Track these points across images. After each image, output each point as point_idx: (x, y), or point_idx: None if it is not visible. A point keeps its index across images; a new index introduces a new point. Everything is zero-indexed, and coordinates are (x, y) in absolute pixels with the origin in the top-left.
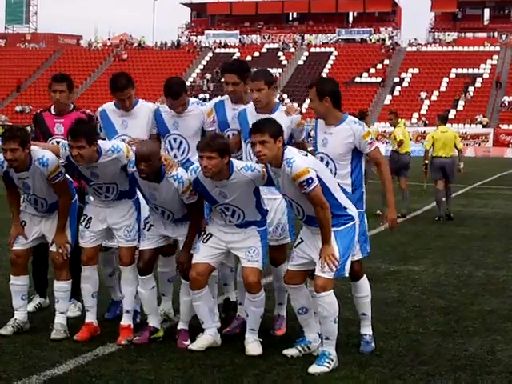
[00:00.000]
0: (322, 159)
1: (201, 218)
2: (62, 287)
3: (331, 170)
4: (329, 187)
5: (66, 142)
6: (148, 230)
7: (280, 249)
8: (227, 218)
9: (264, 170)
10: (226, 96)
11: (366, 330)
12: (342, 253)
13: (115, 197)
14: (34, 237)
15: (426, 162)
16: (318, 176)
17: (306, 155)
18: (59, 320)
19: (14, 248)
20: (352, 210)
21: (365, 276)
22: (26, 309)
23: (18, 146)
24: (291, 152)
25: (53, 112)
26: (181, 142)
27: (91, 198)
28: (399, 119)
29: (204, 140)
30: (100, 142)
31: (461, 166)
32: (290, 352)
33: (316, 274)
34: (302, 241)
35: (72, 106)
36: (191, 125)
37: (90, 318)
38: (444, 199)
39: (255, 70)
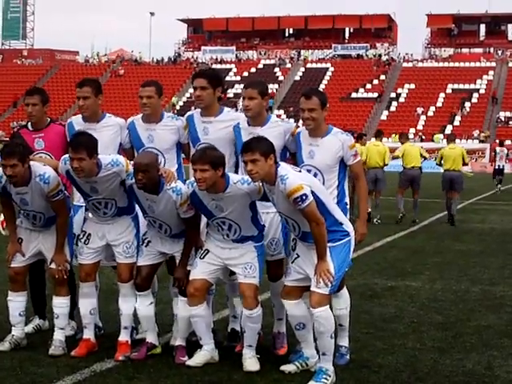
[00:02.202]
0: (309, 171)
1: (197, 234)
2: (61, 303)
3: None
4: (324, 202)
5: (66, 156)
6: (146, 246)
7: (276, 264)
8: (224, 233)
9: (260, 184)
10: (196, 110)
11: (343, 341)
12: (338, 268)
13: (114, 213)
14: (32, 253)
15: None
16: (312, 192)
17: (300, 171)
18: (58, 336)
19: (12, 265)
20: (348, 226)
21: (345, 287)
22: (23, 325)
23: (17, 162)
24: (284, 169)
25: (30, 128)
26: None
27: (90, 215)
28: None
29: (196, 153)
30: (100, 156)
31: (470, 175)
32: (288, 368)
33: (311, 289)
34: (298, 256)
35: (48, 119)
36: (167, 138)
37: (88, 334)
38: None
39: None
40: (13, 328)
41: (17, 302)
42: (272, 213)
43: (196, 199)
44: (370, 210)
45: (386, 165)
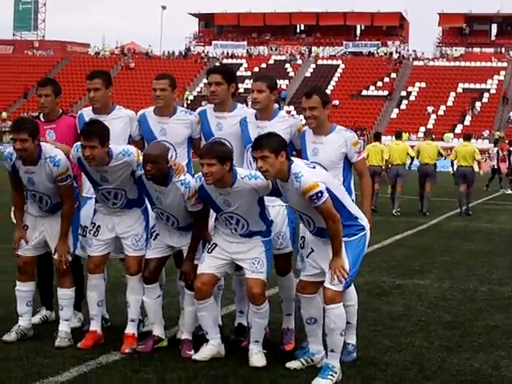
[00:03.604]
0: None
1: (205, 228)
2: (65, 294)
3: None
4: (339, 197)
5: (78, 143)
6: (154, 239)
7: (284, 258)
8: (232, 227)
9: (269, 180)
10: (209, 105)
11: (350, 339)
12: (352, 264)
13: (123, 204)
14: (36, 241)
15: (453, 171)
16: (327, 188)
17: (314, 167)
18: (63, 328)
19: (20, 254)
20: (363, 220)
21: (352, 285)
22: (30, 315)
23: (27, 137)
24: (298, 166)
25: (42, 119)
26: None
27: (99, 206)
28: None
29: (204, 147)
30: (111, 145)
31: (480, 173)
32: (293, 365)
33: (325, 285)
34: (313, 251)
35: (60, 110)
36: (180, 132)
37: (95, 326)
38: (465, 200)
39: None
40: (20, 318)
41: (24, 292)
42: (278, 206)
43: (204, 193)
44: (394, 212)
45: (413, 158)
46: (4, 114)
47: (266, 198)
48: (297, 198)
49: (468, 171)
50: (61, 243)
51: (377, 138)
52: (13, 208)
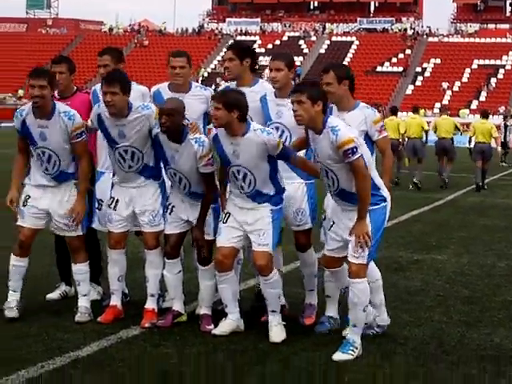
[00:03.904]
0: (277, 128)
1: (214, 192)
2: (80, 269)
3: (286, 140)
4: (366, 163)
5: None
6: (170, 214)
7: (303, 234)
8: (239, 183)
9: (281, 140)
10: (269, 89)
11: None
12: (374, 233)
13: (139, 169)
14: (40, 215)
15: (470, 147)
16: None
17: (349, 125)
18: (83, 303)
19: (21, 225)
20: (384, 191)
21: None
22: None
23: (46, 84)
24: (336, 120)
25: (57, 96)
26: None
27: (117, 180)
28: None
29: (218, 91)
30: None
31: (498, 149)
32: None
33: (349, 259)
34: (334, 223)
35: (75, 88)
36: (196, 108)
37: (115, 300)
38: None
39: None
40: (14, 293)
41: (22, 268)
42: (297, 183)
43: (217, 142)
44: (415, 180)
45: (427, 132)
46: (20, 92)
47: (284, 175)
48: (328, 153)
49: (486, 147)
50: (78, 201)
51: (393, 111)
52: (12, 170)
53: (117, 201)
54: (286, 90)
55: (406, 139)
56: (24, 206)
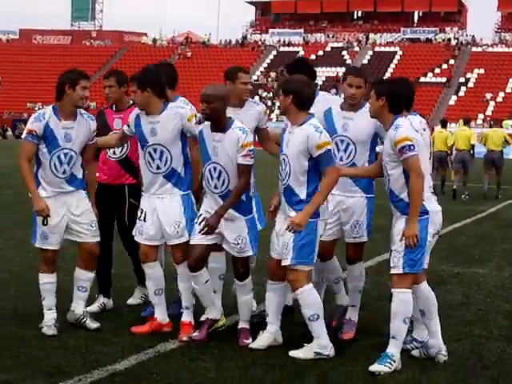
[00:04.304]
0: (342, 141)
1: (246, 188)
2: (91, 277)
3: (350, 153)
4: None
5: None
6: (199, 223)
7: (357, 246)
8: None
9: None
10: (337, 103)
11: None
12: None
13: (167, 170)
14: (60, 228)
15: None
16: None
17: (417, 131)
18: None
19: (47, 248)
20: (428, 205)
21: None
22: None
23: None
24: (403, 120)
25: (113, 109)
26: None
27: (143, 187)
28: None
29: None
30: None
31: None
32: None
33: (391, 271)
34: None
35: (130, 102)
36: (247, 122)
37: (157, 313)
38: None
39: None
40: (51, 311)
41: (52, 284)
42: (359, 197)
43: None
44: (455, 187)
45: (473, 145)
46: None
47: (347, 189)
48: (387, 148)
49: (496, 156)
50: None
51: (443, 124)
52: (27, 181)
53: (145, 213)
54: (356, 104)
55: (455, 151)
56: (44, 224)
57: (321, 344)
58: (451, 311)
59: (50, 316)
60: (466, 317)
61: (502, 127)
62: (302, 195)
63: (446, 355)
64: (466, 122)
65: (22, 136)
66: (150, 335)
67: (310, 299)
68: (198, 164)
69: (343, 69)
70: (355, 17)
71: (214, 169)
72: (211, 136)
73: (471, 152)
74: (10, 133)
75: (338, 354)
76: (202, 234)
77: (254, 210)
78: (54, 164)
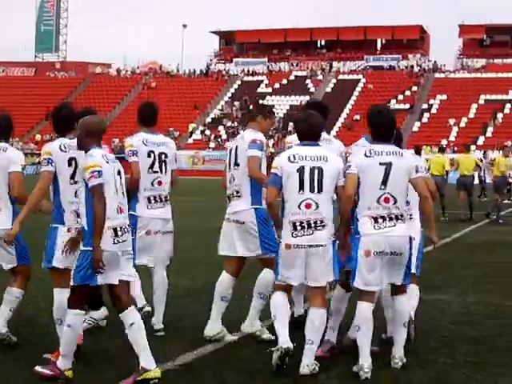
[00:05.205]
0: None
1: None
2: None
3: None
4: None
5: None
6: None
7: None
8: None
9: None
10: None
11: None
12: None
13: None
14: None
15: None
16: None
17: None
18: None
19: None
20: (360, 227)
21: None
22: None
23: None
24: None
25: None
26: None
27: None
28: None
29: None
30: None
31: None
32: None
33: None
34: None
35: None
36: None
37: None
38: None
39: None
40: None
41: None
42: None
43: None
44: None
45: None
46: (38, 137)
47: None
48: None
49: (503, 181)
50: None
51: (417, 151)
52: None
53: None
54: None
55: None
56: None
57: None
58: (415, 338)
59: None
60: (430, 344)
61: (468, 151)
62: None
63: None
64: (441, 150)
65: None
66: None
67: None
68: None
69: (307, 97)
70: (318, 45)
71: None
72: None
73: (445, 177)
74: None
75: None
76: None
77: None
78: (70, 205)
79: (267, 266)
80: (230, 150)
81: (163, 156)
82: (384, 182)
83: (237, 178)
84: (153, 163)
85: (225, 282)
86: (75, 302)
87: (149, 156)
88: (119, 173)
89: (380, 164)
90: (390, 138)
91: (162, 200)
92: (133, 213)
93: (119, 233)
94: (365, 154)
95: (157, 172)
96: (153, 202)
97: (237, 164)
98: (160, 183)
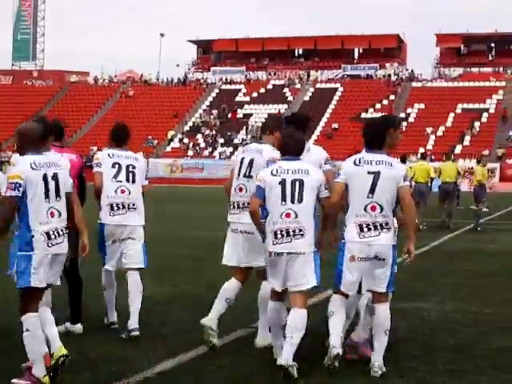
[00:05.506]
0: None
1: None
2: None
3: None
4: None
5: None
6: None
7: None
8: None
9: None
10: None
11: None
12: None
13: None
14: None
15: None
16: None
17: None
18: None
19: None
20: (346, 234)
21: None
22: None
23: None
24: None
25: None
26: None
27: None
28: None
29: None
30: None
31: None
32: None
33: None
34: None
35: None
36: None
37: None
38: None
39: None
40: None
41: None
42: None
43: None
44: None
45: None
46: (4, 144)
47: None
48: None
49: (481, 190)
50: None
51: (402, 160)
52: None
53: None
54: None
55: (414, 184)
56: None
57: None
58: (395, 346)
59: None
60: (410, 352)
61: (443, 161)
62: None
63: None
64: (423, 157)
65: None
66: None
67: None
68: None
69: (285, 106)
70: (296, 54)
71: None
72: None
73: (429, 184)
74: None
75: None
76: None
77: None
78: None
79: (264, 278)
80: (242, 159)
81: (131, 167)
82: (372, 191)
83: (249, 190)
84: (117, 173)
85: (232, 286)
86: (26, 306)
87: (113, 167)
88: (55, 177)
89: (368, 173)
90: (380, 147)
91: (124, 207)
92: (99, 220)
93: (52, 236)
94: (354, 162)
95: (120, 181)
96: (115, 208)
97: (250, 176)
98: (123, 191)
